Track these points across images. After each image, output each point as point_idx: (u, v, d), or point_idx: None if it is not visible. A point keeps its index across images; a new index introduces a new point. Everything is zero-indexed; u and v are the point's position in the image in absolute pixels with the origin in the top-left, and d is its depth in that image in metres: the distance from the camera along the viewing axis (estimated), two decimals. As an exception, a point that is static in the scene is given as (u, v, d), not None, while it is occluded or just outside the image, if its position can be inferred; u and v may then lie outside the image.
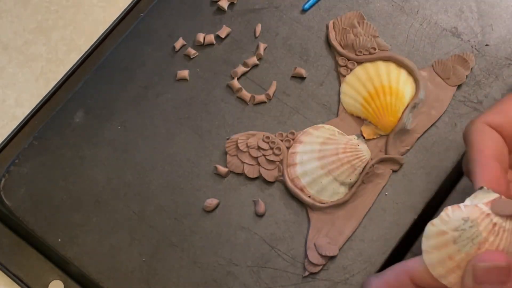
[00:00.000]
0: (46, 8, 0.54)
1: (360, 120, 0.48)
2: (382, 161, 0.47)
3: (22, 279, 0.47)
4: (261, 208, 0.47)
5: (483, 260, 0.35)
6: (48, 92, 0.51)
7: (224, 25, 0.51)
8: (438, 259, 0.36)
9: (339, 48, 0.50)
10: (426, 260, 0.36)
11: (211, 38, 0.51)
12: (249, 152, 0.48)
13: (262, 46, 0.51)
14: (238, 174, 0.48)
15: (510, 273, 0.35)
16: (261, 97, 0.49)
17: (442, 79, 0.49)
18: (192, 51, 0.51)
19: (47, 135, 0.49)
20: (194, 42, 0.51)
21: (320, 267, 0.45)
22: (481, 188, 0.36)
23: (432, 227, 0.36)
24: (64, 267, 0.48)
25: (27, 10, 0.54)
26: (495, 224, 0.35)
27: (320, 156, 0.46)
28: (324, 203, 0.46)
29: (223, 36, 0.51)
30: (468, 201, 0.36)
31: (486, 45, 0.50)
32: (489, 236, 0.35)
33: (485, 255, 0.35)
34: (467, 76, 0.49)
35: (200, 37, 0.51)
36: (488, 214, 0.35)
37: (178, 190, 0.48)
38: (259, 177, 0.47)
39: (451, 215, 0.36)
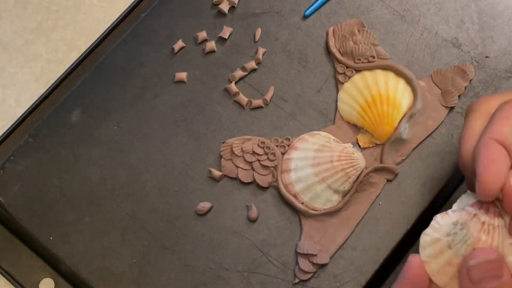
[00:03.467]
0: (46, 8, 0.55)
1: (356, 128, 0.48)
2: (376, 170, 0.46)
3: (13, 276, 0.47)
4: (254, 213, 0.46)
5: (474, 257, 0.35)
6: (46, 90, 0.51)
7: (224, 26, 0.51)
8: (438, 268, 0.36)
9: (338, 55, 0.50)
10: (428, 271, 0.37)
11: (212, 45, 0.51)
12: (243, 156, 0.48)
13: (261, 50, 0.50)
14: (232, 178, 0.48)
15: (502, 266, 0.35)
16: (258, 102, 0.49)
17: (440, 89, 0.48)
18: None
19: (43, 133, 0.49)
20: (195, 42, 0.51)
21: (311, 274, 0.45)
22: (465, 192, 0.38)
23: (425, 236, 0.37)
24: (55, 265, 0.48)
25: (27, 10, 0.54)
26: (483, 223, 0.36)
27: (315, 163, 0.46)
28: (317, 210, 0.46)
29: (226, 37, 0.51)
30: (455, 207, 0.37)
31: (486, 57, 0.49)
32: (480, 235, 0.36)
33: (475, 253, 0.35)
34: (465, 87, 0.49)
35: (200, 35, 0.51)
36: (475, 215, 0.36)
37: (171, 192, 0.48)
38: (253, 182, 0.47)
39: (441, 222, 0.36)
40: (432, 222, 0.37)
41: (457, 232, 0.36)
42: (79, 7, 0.55)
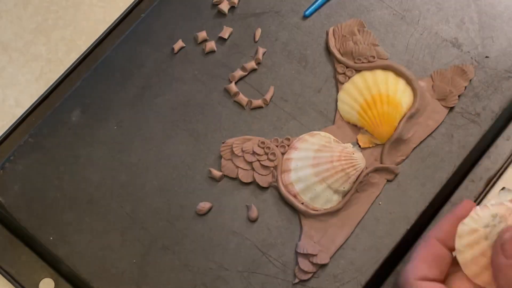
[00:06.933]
0: (46, 8, 0.55)
1: (356, 128, 0.48)
2: (376, 170, 0.46)
3: (13, 276, 0.47)
4: (254, 213, 0.46)
5: (509, 230, 0.37)
6: (46, 90, 0.51)
7: (224, 26, 0.51)
8: (472, 257, 0.38)
9: (338, 55, 0.50)
10: (460, 260, 0.38)
11: (212, 45, 0.51)
12: (244, 156, 0.48)
13: (261, 50, 0.50)
14: (232, 178, 0.48)
15: None
16: (258, 102, 0.49)
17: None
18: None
19: (43, 133, 0.49)
20: (195, 42, 0.51)
21: (311, 275, 0.45)
22: (503, 188, 0.39)
23: (463, 226, 0.38)
24: (55, 265, 0.47)
25: (27, 10, 0.54)
26: None
27: (315, 163, 0.46)
28: (317, 210, 0.46)
29: (226, 37, 0.51)
30: (493, 201, 0.39)
31: (486, 57, 0.49)
32: None
33: (509, 227, 0.37)
34: (465, 87, 0.49)
35: (200, 35, 0.51)
36: None
37: (171, 192, 0.48)
38: (253, 182, 0.47)
39: (480, 214, 0.38)
40: (471, 213, 0.38)
41: (496, 225, 0.37)
42: (79, 7, 0.55)
